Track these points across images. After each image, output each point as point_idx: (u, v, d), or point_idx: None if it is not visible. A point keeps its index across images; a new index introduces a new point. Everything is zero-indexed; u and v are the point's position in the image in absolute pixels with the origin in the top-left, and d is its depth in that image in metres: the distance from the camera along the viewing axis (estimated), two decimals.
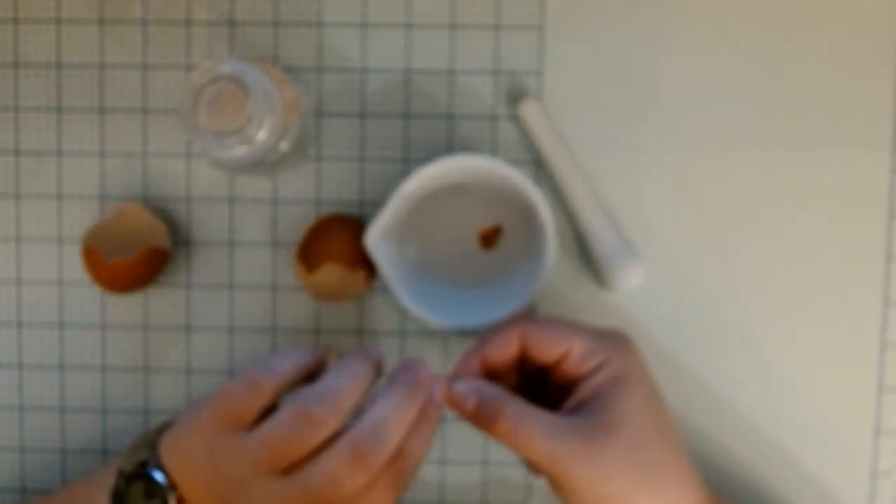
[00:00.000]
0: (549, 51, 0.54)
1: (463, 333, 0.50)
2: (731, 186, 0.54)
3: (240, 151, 0.46)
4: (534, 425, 0.42)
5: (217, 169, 0.55)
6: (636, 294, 0.55)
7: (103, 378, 0.56)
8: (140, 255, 0.52)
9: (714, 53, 0.54)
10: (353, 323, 0.56)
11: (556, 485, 0.44)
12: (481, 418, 0.43)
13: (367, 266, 0.52)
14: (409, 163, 0.55)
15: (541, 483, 0.56)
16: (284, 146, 0.49)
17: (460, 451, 0.56)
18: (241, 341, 0.56)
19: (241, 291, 0.56)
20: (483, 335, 0.46)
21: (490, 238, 0.54)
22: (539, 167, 0.55)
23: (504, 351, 0.45)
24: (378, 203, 0.55)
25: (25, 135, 0.55)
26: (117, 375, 0.56)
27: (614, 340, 0.45)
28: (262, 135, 0.46)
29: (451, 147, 0.55)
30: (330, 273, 0.52)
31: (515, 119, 0.55)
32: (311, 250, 0.52)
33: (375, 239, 0.50)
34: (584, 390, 0.44)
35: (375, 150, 0.55)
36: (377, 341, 0.56)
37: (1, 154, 0.56)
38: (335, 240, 0.52)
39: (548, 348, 0.45)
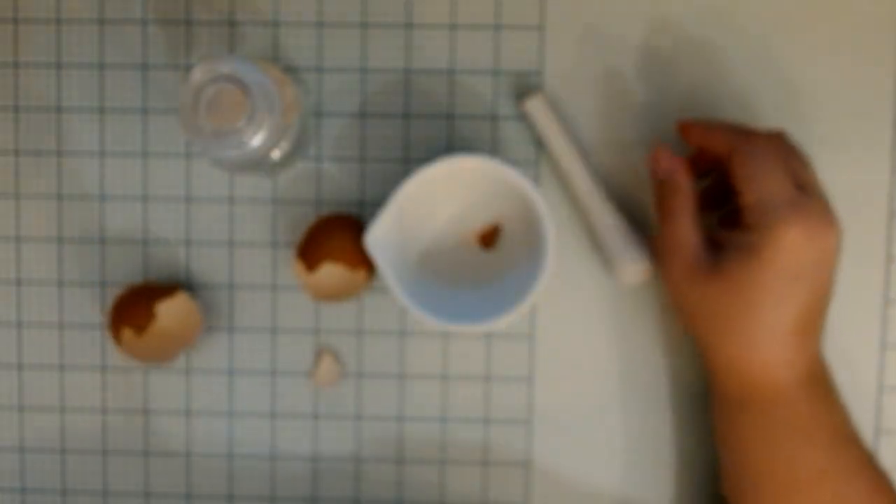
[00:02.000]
0: (550, 51, 0.54)
1: (463, 333, 0.50)
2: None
3: (239, 151, 0.46)
4: (688, 217, 0.49)
5: (217, 169, 0.55)
6: (638, 291, 0.55)
7: (103, 378, 0.56)
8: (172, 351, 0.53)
9: (714, 54, 0.54)
10: (353, 323, 0.56)
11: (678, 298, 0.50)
12: (667, 186, 0.50)
13: (367, 266, 0.52)
14: (409, 163, 0.55)
15: (541, 483, 0.56)
16: (284, 146, 0.49)
17: (460, 451, 0.56)
18: (240, 341, 0.56)
19: (240, 291, 0.56)
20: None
21: (489, 238, 0.54)
22: (540, 166, 0.55)
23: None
24: (378, 203, 0.55)
25: (25, 135, 0.55)
26: (117, 375, 0.56)
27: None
28: (261, 135, 0.46)
29: (451, 147, 0.55)
30: (330, 273, 0.52)
31: (520, 117, 0.54)
32: (310, 250, 0.52)
33: (375, 239, 0.50)
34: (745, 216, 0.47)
35: (375, 150, 0.55)
36: (377, 341, 0.56)
37: (0, 154, 0.56)
38: (335, 240, 0.52)
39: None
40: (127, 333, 0.52)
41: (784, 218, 0.45)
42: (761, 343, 0.47)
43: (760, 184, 0.46)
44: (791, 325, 0.47)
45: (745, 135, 0.48)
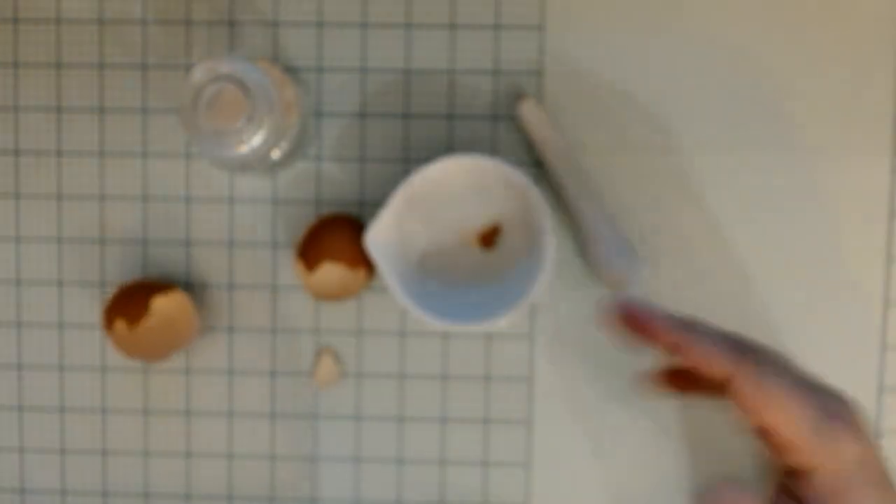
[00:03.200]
0: (549, 51, 0.54)
1: (463, 333, 0.50)
2: (730, 188, 0.55)
3: (239, 151, 0.46)
4: None
5: (217, 168, 0.55)
6: (641, 291, 0.55)
7: (103, 378, 0.56)
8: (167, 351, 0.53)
9: (714, 55, 0.54)
10: (353, 323, 0.56)
11: None
12: None
13: (367, 266, 0.52)
14: (409, 163, 0.55)
15: (541, 483, 0.56)
16: (284, 146, 0.49)
17: (460, 451, 0.56)
18: (240, 341, 0.56)
19: (240, 291, 0.56)
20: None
21: (489, 238, 0.54)
22: (539, 167, 0.55)
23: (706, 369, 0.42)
24: (378, 203, 0.55)
25: (25, 134, 0.55)
26: (117, 375, 0.56)
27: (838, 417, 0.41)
28: (261, 135, 0.46)
29: (451, 147, 0.55)
30: (330, 273, 0.52)
31: (515, 119, 0.55)
32: (311, 250, 0.52)
33: (375, 239, 0.50)
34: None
35: (375, 150, 0.55)
36: (377, 341, 0.56)
37: (0, 154, 0.56)
38: (335, 239, 0.52)
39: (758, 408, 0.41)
40: (119, 326, 0.52)
41: (835, 438, 0.41)
42: None
43: (792, 415, 0.41)
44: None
45: (742, 353, 0.42)
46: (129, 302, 0.52)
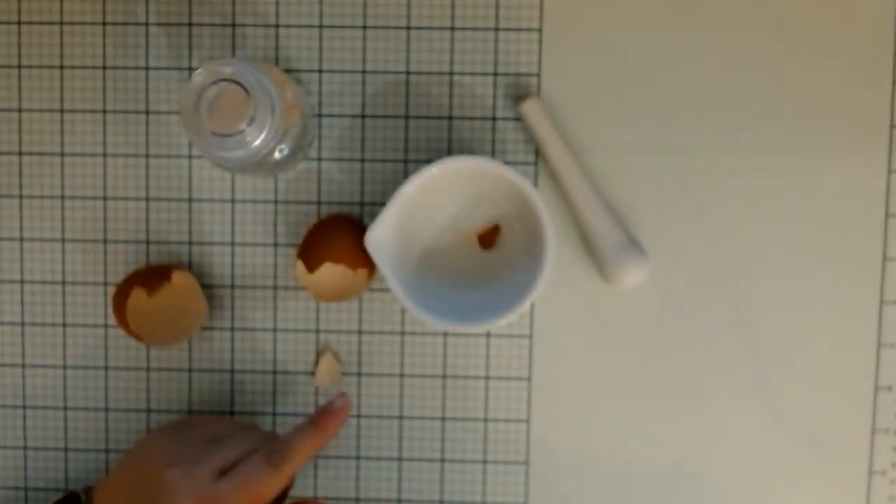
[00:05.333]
0: (548, 53, 0.55)
1: (463, 333, 0.50)
2: (728, 187, 0.55)
3: (241, 152, 0.46)
4: None
5: (218, 169, 0.55)
6: (636, 292, 0.55)
7: (106, 377, 0.56)
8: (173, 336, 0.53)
9: (712, 56, 0.54)
10: (353, 323, 0.56)
11: None
12: None
13: (367, 266, 0.52)
14: (409, 163, 0.55)
15: (541, 483, 0.56)
16: (285, 147, 0.49)
17: (460, 451, 0.56)
18: (242, 340, 0.56)
19: (242, 291, 0.56)
20: None
21: (489, 238, 0.54)
22: (538, 167, 0.55)
23: None
24: (378, 203, 0.55)
25: (28, 136, 0.56)
26: (119, 374, 0.56)
27: None
28: (263, 136, 0.46)
29: (450, 148, 0.55)
30: (330, 273, 0.52)
31: (517, 119, 0.55)
32: (311, 250, 0.52)
33: (376, 239, 0.50)
34: None
35: (376, 151, 0.55)
36: (377, 341, 0.56)
37: (4, 155, 0.56)
38: (336, 240, 0.52)
39: None
40: (137, 294, 0.52)
41: None
42: None
43: None
44: None
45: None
46: (150, 274, 0.53)
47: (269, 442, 0.48)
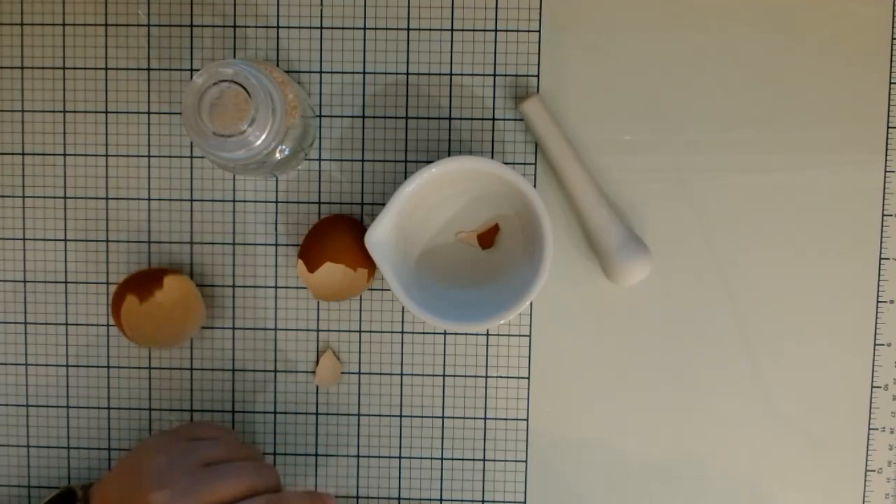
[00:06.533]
0: (546, 53, 0.55)
1: (463, 333, 0.50)
2: (727, 186, 0.55)
3: (242, 153, 0.46)
4: None
5: (219, 169, 0.55)
6: (634, 291, 0.55)
7: (108, 376, 0.57)
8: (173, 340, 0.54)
9: (710, 56, 0.55)
10: (353, 322, 0.56)
11: None
12: None
13: (367, 266, 0.53)
14: (409, 163, 0.55)
15: (540, 483, 0.56)
16: (286, 147, 0.49)
17: (460, 449, 0.56)
18: (243, 340, 0.56)
19: (243, 290, 0.56)
20: None
21: (488, 238, 0.54)
22: (538, 167, 0.55)
23: None
24: (378, 203, 0.55)
25: (31, 136, 0.56)
26: (121, 373, 0.57)
27: None
28: (264, 136, 0.46)
29: (450, 148, 0.55)
30: (331, 273, 0.52)
31: (516, 119, 0.55)
32: (312, 250, 0.53)
33: (376, 239, 0.50)
34: None
35: (376, 152, 0.55)
36: (377, 340, 0.56)
37: (7, 155, 0.56)
38: (336, 240, 0.52)
39: None
40: (130, 301, 0.52)
41: None
42: None
43: None
44: None
45: None
46: (141, 280, 0.53)
47: (264, 479, 0.48)
